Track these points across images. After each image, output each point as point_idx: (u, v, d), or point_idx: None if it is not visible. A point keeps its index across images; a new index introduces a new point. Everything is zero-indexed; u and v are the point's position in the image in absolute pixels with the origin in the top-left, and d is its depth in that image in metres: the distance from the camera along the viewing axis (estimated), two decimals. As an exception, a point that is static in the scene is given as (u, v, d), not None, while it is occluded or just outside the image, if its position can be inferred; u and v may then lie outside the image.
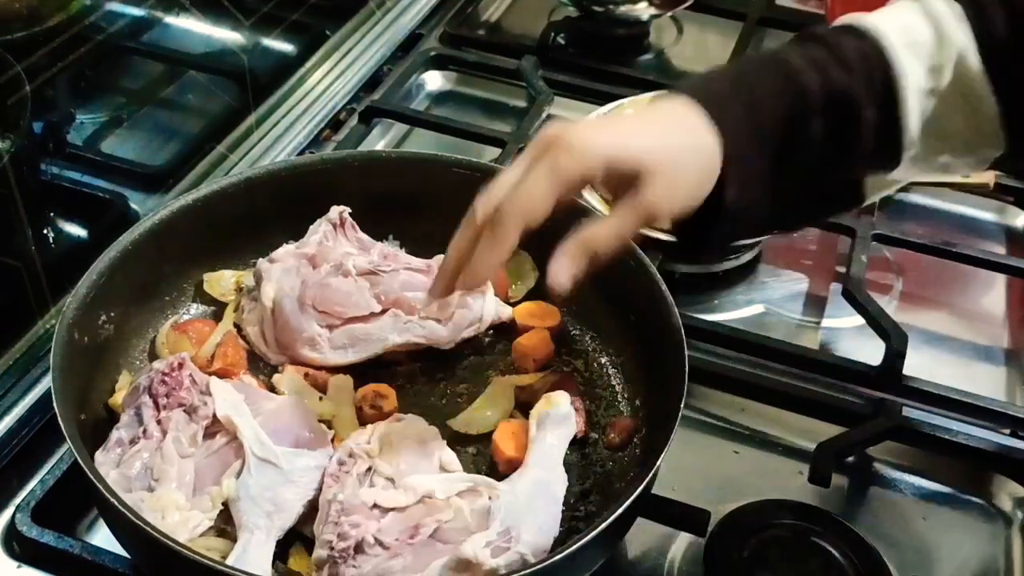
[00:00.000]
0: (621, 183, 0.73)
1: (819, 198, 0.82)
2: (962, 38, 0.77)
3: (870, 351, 1.03)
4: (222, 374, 0.89)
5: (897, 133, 0.78)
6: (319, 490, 0.80)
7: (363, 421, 0.89)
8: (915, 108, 0.78)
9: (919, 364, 1.02)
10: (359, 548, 0.75)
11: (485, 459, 0.88)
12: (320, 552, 0.76)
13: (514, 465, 0.84)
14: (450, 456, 0.84)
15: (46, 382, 0.90)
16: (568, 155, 0.71)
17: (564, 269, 0.73)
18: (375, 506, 0.77)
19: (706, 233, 0.78)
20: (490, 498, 0.78)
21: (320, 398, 0.90)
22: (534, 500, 0.78)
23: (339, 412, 0.89)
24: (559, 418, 0.85)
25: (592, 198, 1.14)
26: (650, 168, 0.72)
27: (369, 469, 0.79)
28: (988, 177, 1.19)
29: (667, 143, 0.74)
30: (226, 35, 1.29)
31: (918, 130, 0.78)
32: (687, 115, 0.75)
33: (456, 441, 0.88)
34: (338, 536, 0.75)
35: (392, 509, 0.77)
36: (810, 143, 0.77)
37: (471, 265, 0.75)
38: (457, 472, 0.83)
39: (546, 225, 0.97)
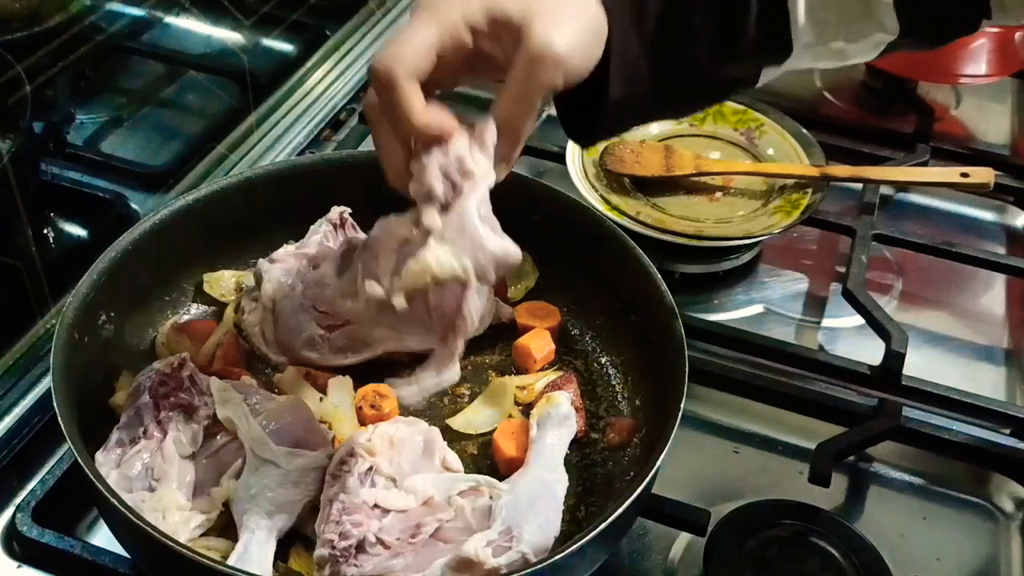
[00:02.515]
0: (505, 37, 0.70)
1: (708, 90, 0.81)
2: None
3: (870, 351, 1.03)
4: (222, 374, 0.89)
5: (784, 21, 0.77)
6: (319, 490, 0.80)
7: (363, 421, 0.89)
8: (803, 1, 0.77)
9: (919, 364, 1.02)
10: (360, 547, 0.75)
11: (485, 459, 0.88)
12: (322, 551, 0.76)
13: (514, 465, 0.84)
14: (452, 456, 0.84)
15: (46, 382, 0.90)
16: (449, 3, 0.68)
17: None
18: (376, 506, 0.77)
19: (591, 121, 0.77)
20: (491, 497, 0.78)
21: (320, 399, 0.90)
22: (535, 500, 0.78)
23: (339, 413, 0.89)
24: (559, 418, 0.85)
25: (592, 198, 1.15)
26: (533, 8, 0.69)
27: (371, 468, 0.79)
28: (988, 177, 1.19)
29: None
30: (226, 35, 1.29)
31: (805, 17, 0.77)
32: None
33: (456, 441, 0.88)
34: (340, 535, 0.75)
35: (393, 510, 0.77)
36: (695, 40, 0.76)
37: (374, 141, 0.73)
38: (458, 472, 0.83)
39: (546, 224, 0.99)
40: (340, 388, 0.92)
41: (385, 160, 0.74)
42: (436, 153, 0.71)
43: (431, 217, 0.72)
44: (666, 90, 0.78)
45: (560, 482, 0.82)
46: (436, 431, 0.85)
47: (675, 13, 0.76)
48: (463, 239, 0.71)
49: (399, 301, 0.73)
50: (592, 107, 0.76)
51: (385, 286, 0.74)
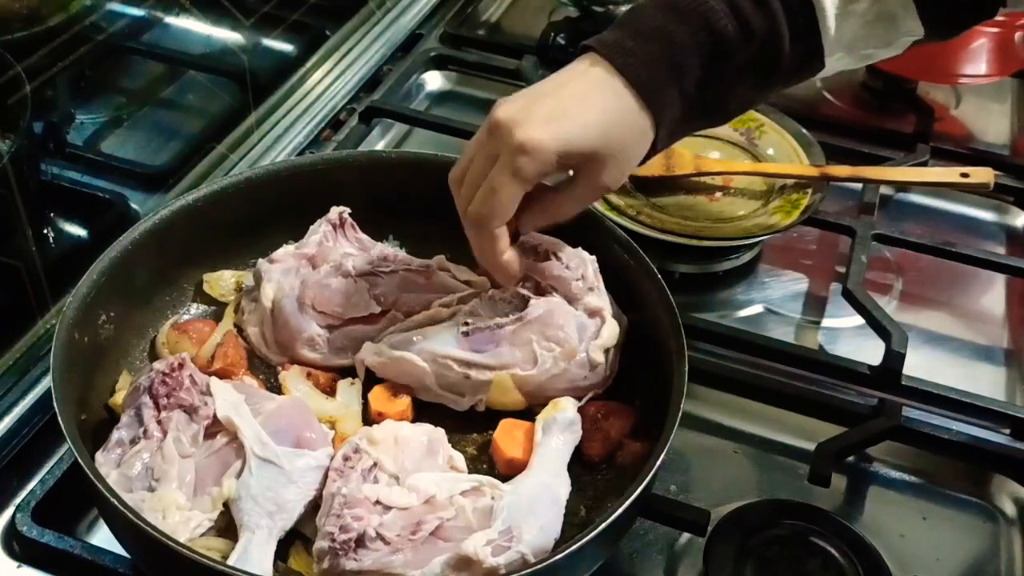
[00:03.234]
0: (574, 165, 0.83)
1: (743, 105, 0.89)
2: None
3: (870, 351, 1.03)
4: (222, 374, 0.89)
5: (816, 47, 0.84)
6: (319, 490, 0.80)
7: (369, 422, 0.89)
8: (833, 29, 0.83)
9: (919, 364, 1.02)
10: (360, 541, 0.75)
11: (484, 459, 0.88)
12: (321, 544, 0.76)
13: (514, 465, 0.84)
14: (457, 456, 0.84)
15: (46, 382, 0.90)
16: (524, 158, 0.79)
17: (527, 227, 0.87)
18: (378, 502, 0.77)
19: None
20: (493, 498, 0.78)
21: (325, 398, 0.90)
22: (536, 501, 0.78)
23: (346, 415, 0.89)
24: (565, 423, 0.85)
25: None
26: (599, 152, 0.81)
27: (374, 465, 0.79)
28: (988, 177, 1.19)
29: (611, 130, 0.81)
30: (226, 35, 1.29)
31: (835, 39, 0.83)
32: (619, 92, 0.81)
33: (456, 443, 0.88)
34: (340, 528, 0.75)
35: (394, 507, 0.77)
36: (732, 82, 0.83)
37: (485, 264, 0.87)
38: (463, 472, 0.83)
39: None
40: (348, 390, 0.92)
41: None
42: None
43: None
44: (702, 121, 0.88)
45: (563, 486, 0.82)
46: (441, 431, 0.85)
47: (713, 74, 0.82)
48: None
49: None
50: None
51: None
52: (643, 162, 0.86)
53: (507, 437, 0.87)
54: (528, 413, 0.89)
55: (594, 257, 0.92)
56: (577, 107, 0.81)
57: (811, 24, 0.83)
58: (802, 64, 0.85)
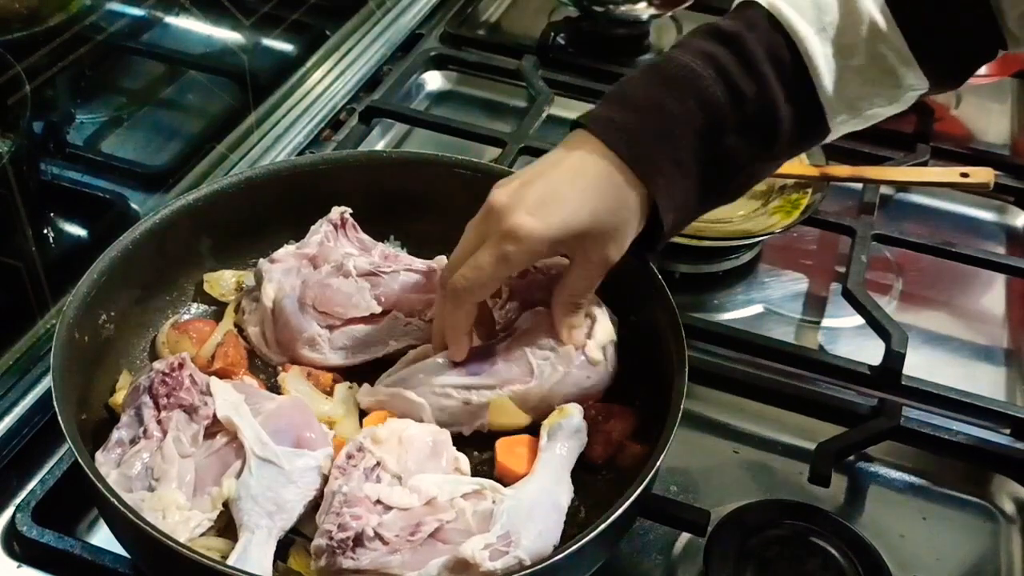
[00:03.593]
0: (571, 249, 0.84)
1: (752, 175, 0.87)
2: (868, 4, 0.80)
3: (870, 351, 1.03)
4: (222, 374, 0.89)
5: (817, 112, 0.82)
6: (319, 490, 0.80)
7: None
8: (831, 88, 0.81)
9: (919, 364, 1.02)
10: (358, 540, 0.75)
11: (488, 466, 0.87)
12: (319, 541, 0.76)
13: (517, 479, 0.83)
14: (463, 459, 0.84)
15: (46, 382, 0.90)
16: (516, 246, 0.80)
17: (578, 331, 0.88)
18: (378, 502, 0.77)
19: (650, 244, 0.85)
20: (494, 502, 0.78)
21: (325, 398, 0.90)
22: (537, 507, 0.78)
23: (345, 417, 0.89)
24: (571, 430, 0.85)
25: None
26: (593, 234, 0.81)
27: (377, 464, 0.79)
28: (988, 177, 1.19)
29: (602, 208, 0.81)
30: (226, 35, 1.29)
31: (836, 102, 0.82)
32: (608, 169, 0.81)
33: (458, 447, 0.87)
34: (338, 527, 0.75)
35: (395, 507, 0.77)
36: (731, 151, 0.82)
37: (445, 331, 0.87)
38: (465, 475, 0.83)
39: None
40: (347, 393, 0.91)
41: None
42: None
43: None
44: (714, 197, 0.86)
45: (564, 493, 0.82)
46: (446, 433, 0.85)
47: (709, 142, 0.81)
48: None
49: None
50: (648, 234, 0.85)
51: None
52: (657, 245, 0.85)
53: (510, 455, 0.86)
54: (525, 431, 0.88)
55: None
56: (567, 189, 0.81)
57: (806, 85, 0.81)
58: (804, 129, 0.83)
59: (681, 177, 0.82)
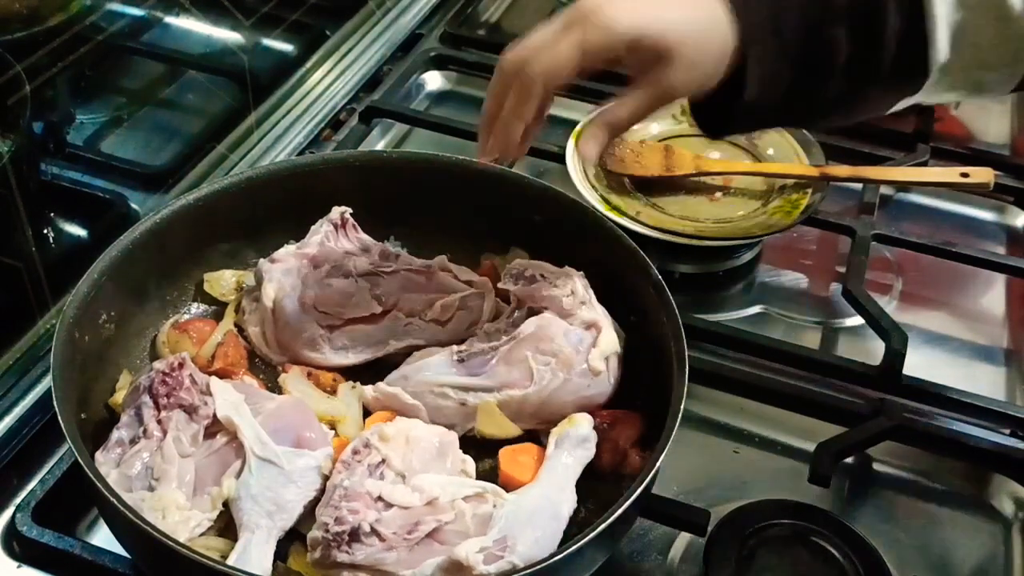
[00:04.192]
0: (643, 60, 0.78)
1: (843, 106, 0.83)
2: None
3: (870, 351, 1.03)
4: (222, 374, 0.89)
5: (923, 44, 0.78)
6: (320, 490, 0.80)
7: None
8: (943, 17, 0.77)
9: (919, 364, 1.02)
10: (355, 535, 0.74)
11: (495, 472, 0.87)
12: (315, 533, 0.76)
13: (519, 487, 0.83)
14: (469, 461, 0.84)
15: (46, 382, 0.90)
16: (596, 31, 0.76)
17: (591, 145, 0.82)
18: (379, 499, 0.77)
19: (724, 117, 0.81)
20: (495, 506, 0.78)
21: (327, 398, 0.90)
22: (537, 514, 0.78)
23: (346, 415, 0.89)
24: (578, 439, 0.84)
25: (592, 198, 1.15)
26: (672, 51, 0.77)
27: (382, 461, 0.79)
28: (988, 177, 1.19)
29: (689, 25, 0.77)
30: (226, 35, 1.29)
31: (947, 42, 0.77)
32: (711, 2, 0.77)
33: (467, 452, 0.87)
34: (335, 520, 0.75)
35: (395, 505, 0.77)
36: (833, 51, 0.78)
37: (501, 120, 0.81)
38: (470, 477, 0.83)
39: (546, 224, 0.99)
40: (349, 392, 0.91)
41: (486, 102, 0.83)
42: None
43: None
44: (802, 99, 0.82)
45: (567, 502, 0.81)
46: (453, 435, 0.85)
47: (813, 25, 0.78)
48: None
49: None
50: (727, 103, 0.80)
51: None
52: (732, 114, 0.81)
53: (513, 464, 0.85)
54: (523, 439, 0.88)
55: (582, 272, 0.92)
56: (664, 1, 0.78)
57: (917, 5, 0.77)
58: (906, 57, 0.79)
59: (776, 49, 0.78)
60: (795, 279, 1.18)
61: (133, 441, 0.81)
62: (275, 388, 0.92)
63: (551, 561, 0.72)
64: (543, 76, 0.78)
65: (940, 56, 0.78)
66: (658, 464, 0.77)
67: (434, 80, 1.46)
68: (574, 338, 0.88)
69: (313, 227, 0.99)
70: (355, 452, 0.80)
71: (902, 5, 0.77)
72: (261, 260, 0.97)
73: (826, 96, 0.82)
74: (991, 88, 0.82)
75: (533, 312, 0.91)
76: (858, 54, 0.79)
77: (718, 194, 1.20)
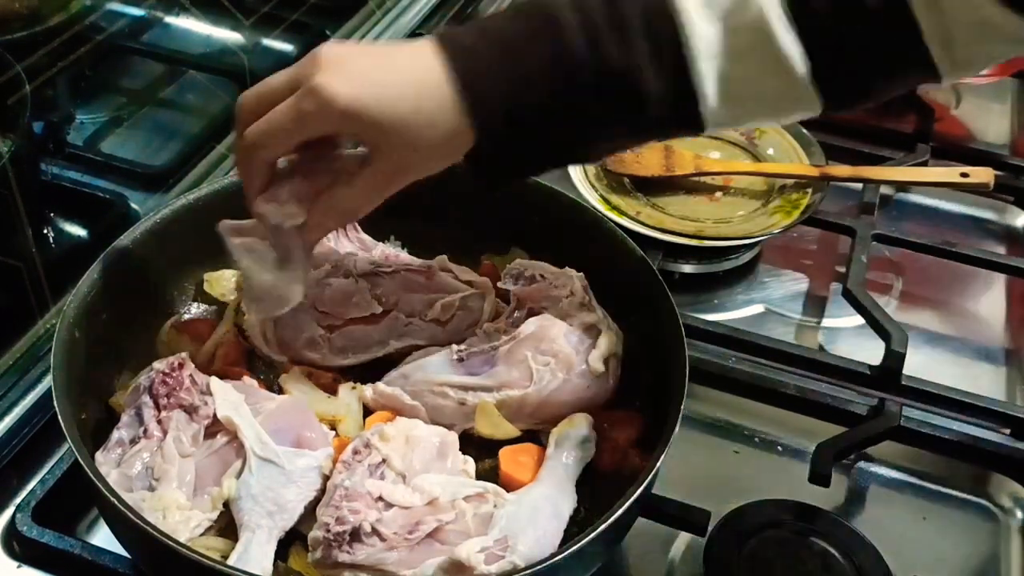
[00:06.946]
0: (366, 139, 0.76)
1: (626, 148, 0.82)
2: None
3: (870, 351, 1.03)
4: (223, 374, 0.89)
5: (692, 102, 0.74)
6: (320, 490, 0.80)
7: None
8: (710, 75, 0.73)
9: (919, 364, 1.02)
10: (355, 535, 0.75)
11: (495, 473, 0.87)
12: (316, 533, 0.76)
13: (520, 487, 0.83)
14: (470, 462, 0.84)
15: (46, 382, 0.90)
16: (312, 102, 0.73)
17: (316, 233, 0.82)
18: (380, 499, 0.77)
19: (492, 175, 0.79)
20: (495, 506, 0.78)
21: (328, 397, 0.90)
22: (538, 513, 0.78)
23: (347, 415, 0.89)
24: (578, 439, 0.84)
25: (592, 198, 1.15)
26: (390, 135, 0.74)
27: (383, 461, 0.79)
28: (988, 177, 1.19)
29: (412, 115, 0.74)
30: (226, 35, 1.29)
31: (717, 96, 0.74)
32: (439, 83, 0.73)
33: (467, 453, 0.87)
34: (336, 520, 0.75)
35: (396, 505, 0.77)
36: (588, 121, 0.76)
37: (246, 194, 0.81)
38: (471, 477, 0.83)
39: (546, 225, 0.99)
40: (350, 392, 0.91)
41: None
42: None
43: None
44: (564, 156, 0.81)
45: (567, 502, 0.81)
46: (454, 435, 0.84)
47: (557, 109, 0.75)
48: None
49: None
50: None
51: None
52: (495, 185, 0.80)
53: (514, 464, 0.85)
54: (523, 439, 0.88)
55: (582, 274, 0.92)
56: (389, 78, 0.74)
57: (678, 58, 0.73)
58: (673, 116, 0.75)
59: (520, 125, 0.75)
60: (795, 279, 1.18)
61: (133, 441, 0.81)
62: (275, 388, 0.92)
63: (552, 561, 0.72)
64: (264, 152, 0.78)
65: (713, 111, 0.75)
66: (658, 464, 0.77)
67: (434, 80, 1.46)
68: (574, 338, 0.88)
69: (313, 227, 0.99)
70: (355, 452, 0.80)
71: (663, 68, 0.73)
72: (261, 260, 0.97)
73: (597, 149, 0.81)
74: (770, 126, 0.81)
75: (533, 312, 0.91)
76: (622, 118, 0.76)
77: (718, 194, 1.20)
